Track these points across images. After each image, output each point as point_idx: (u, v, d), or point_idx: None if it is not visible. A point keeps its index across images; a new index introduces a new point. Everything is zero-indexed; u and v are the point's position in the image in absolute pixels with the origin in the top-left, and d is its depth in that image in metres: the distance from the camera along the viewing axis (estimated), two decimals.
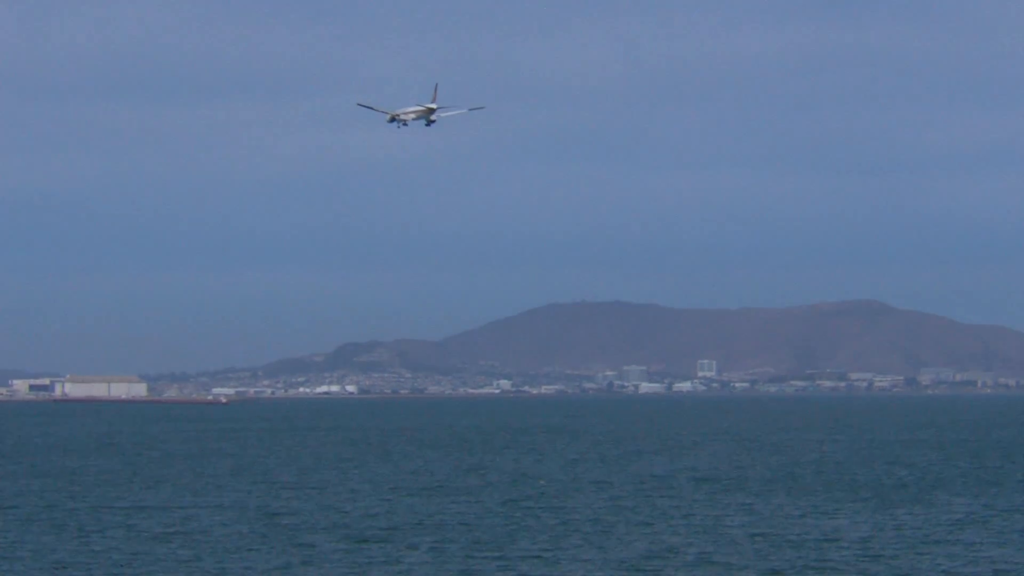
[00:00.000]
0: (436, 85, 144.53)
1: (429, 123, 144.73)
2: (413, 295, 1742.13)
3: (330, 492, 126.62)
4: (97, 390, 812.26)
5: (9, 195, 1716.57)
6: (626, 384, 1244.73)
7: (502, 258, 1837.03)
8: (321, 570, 77.49)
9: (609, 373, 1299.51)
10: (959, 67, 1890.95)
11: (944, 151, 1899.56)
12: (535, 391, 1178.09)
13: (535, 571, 76.89)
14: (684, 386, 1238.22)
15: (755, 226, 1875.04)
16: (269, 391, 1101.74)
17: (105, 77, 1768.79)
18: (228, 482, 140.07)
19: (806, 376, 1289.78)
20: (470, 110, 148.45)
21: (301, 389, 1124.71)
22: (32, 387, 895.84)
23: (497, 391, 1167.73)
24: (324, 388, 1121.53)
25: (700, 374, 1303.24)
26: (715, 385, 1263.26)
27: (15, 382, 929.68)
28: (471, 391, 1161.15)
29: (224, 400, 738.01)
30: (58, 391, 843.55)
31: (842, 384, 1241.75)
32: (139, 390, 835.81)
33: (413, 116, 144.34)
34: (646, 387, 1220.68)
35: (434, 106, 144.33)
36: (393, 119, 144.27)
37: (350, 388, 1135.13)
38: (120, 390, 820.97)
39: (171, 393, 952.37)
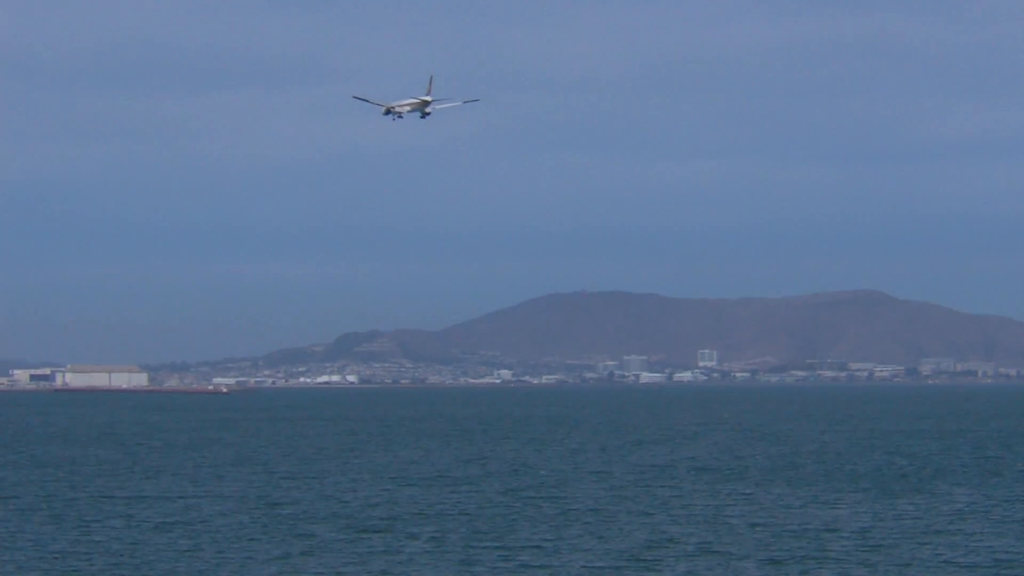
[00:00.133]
0: (431, 77, 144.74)
1: (424, 115, 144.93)
2: (414, 285, 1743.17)
3: (330, 482, 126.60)
4: (98, 380, 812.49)
5: (9, 186, 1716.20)
6: (627, 374, 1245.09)
7: (503, 248, 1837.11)
8: (321, 560, 77.46)
9: (610, 363, 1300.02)
10: (960, 57, 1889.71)
11: (945, 141, 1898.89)
12: (536, 381, 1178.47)
13: (535, 561, 76.85)
14: (685, 376, 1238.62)
15: (756, 216, 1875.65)
16: (270, 381, 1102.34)
17: (104, 68, 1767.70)
18: (228, 472, 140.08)
19: (807, 366, 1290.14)
20: (464, 102, 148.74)
21: (302, 379, 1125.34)
22: (33, 377, 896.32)
23: (498, 381, 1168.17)
24: (325, 378, 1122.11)
25: (701, 364, 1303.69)
26: (716, 375, 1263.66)
27: (16, 372, 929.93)
28: (472, 381, 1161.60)
29: (225, 390, 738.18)
30: (59, 381, 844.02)
31: (843, 374, 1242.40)
32: (140, 380, 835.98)
33: (408, 108, 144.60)
34: (647, 377, 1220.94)
35: (429, 98, 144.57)
36: (388, 111, 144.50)
37: (351, 378, 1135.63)
38: (121, 380, 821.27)
39: (172, 383, 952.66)
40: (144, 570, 74.61)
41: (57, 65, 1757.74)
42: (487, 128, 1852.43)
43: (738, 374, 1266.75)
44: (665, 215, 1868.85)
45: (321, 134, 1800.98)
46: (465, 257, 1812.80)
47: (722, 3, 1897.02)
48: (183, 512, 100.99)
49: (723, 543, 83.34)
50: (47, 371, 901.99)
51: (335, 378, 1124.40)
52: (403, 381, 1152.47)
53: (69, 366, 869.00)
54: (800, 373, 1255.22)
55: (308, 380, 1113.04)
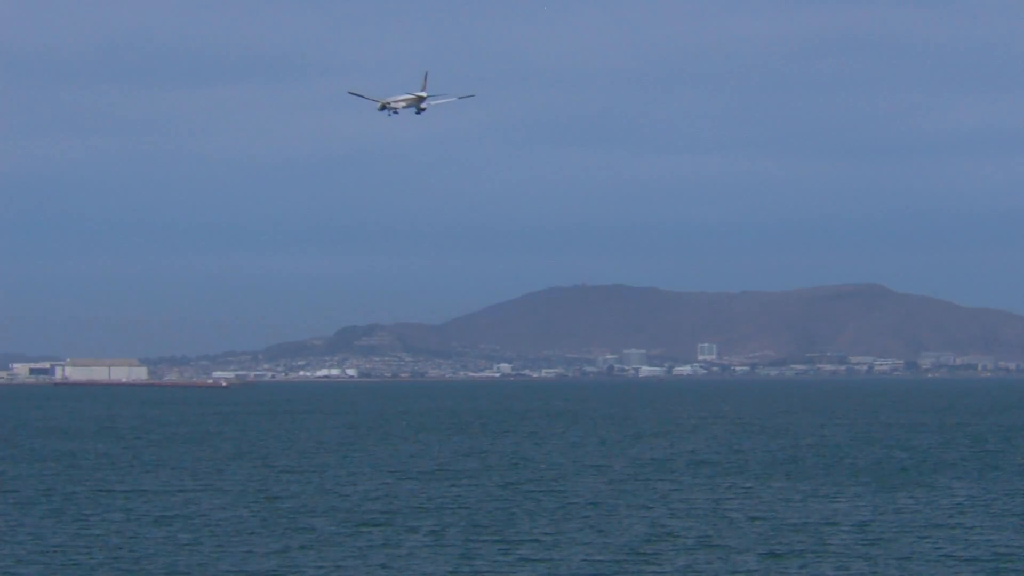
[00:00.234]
0: (426, 73, 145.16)
1: (419, 111, 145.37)
2: (413, 279, 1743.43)
3: (330, 476, 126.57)
4: (97, 374, 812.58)
5: (8, 180, 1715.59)
6: (626, 368, 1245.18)
7: (502, 242, 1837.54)
8: (321, 554, 77.42)
9: (609, 357, 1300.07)
10: (958, 52, 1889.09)
11: (945, 135, 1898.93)
12: (535, 375, 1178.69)
13: (535, 554, 76.80)
14: (684, 370, 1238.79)
15: (755, 210, 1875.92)
16: (269, 375, 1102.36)
17: (102, 63, 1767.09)
18: (228, 466, 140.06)
19: (806, 360, 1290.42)
20: (459, 98, 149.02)
21: (301, 373, 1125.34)
22: (32, 371, 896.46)
23: (497, 375, 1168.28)
24: (324, 372, 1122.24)
25: (700, 358, 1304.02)
26: (715, 369, 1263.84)
27: (15, 366, 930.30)
28: (471, 375, 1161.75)
29: (224, 384, 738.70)
30: (58, 375, 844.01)
31: (842, 368, 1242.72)
32: (139, 374, 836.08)
33: (403, 104, 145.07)
34: (646, 371, 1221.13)
35: (424, 94, 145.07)
36: (384, 107, 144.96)
37: (350, 372, 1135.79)
38: (120, 374, 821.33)
39: (171, 377, 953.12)
40: (143, 564, 74.55)
41: (55, 60, 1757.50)
42: (487, 122, 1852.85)
43: (738, 368, 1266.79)
44: (664, 209, 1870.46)
45: (322, 128, 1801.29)
46: (465, 251, 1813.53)
47: None
48: (183, 506, 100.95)
49: (722, 537, 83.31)
50: (47, 365, 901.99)
51: (335, 372, 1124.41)
52: (403, 375, 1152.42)
53: (69, 360, 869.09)
54: (800, 367, 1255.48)
55: (308, 374, 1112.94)
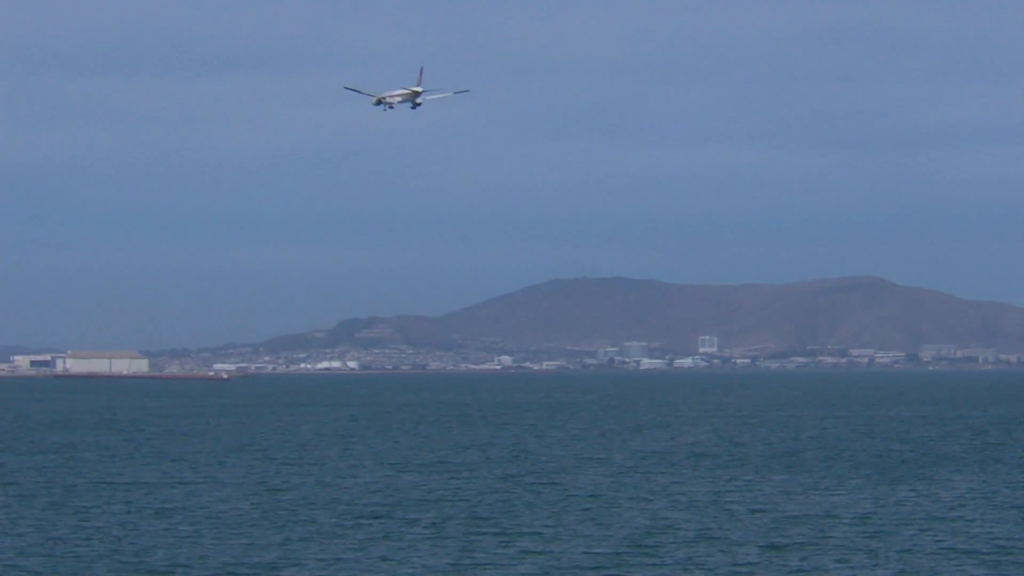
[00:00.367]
0: (421, 68, 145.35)
1: (415, 106, 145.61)
2: (414, 271, 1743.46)
3: (330, 468, 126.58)
4: (98, 366, 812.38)
5: (10, 170, 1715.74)
6: (627, 360, 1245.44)
7: (503, 234, 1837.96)
8: (321, 546, 77.40)
9: (610, 349, 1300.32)
10: (962, 43, 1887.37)
11: (946, 127, 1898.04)
12: (536, 367, 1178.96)
13: (535, 547, 76.78)
14: (685, 362, 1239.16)
15: (756, 202, 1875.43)
16: (270, 367, 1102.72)
17: (102, 54, 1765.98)
18: (229, 458, 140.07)
19: (807, 352, 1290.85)
20: (455, 93, 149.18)
21: (302, 365, 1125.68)
22: (33, 363, 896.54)
23: (498, 367, 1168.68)
24: (325, 364, 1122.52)
25: (701, 350, 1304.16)
26: (716, 361, 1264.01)
27: (16, 358, 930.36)
28: (472, 367, 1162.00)
29: (225, 376, 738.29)
30: (59, 367, 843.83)
31: (843, 360, 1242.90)
32: (140, 366, 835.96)
33: (399, 99, 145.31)
34: (647, 363, 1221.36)
35: (419, 89, 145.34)
36: (379, 102, 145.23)
37: (351, 364, 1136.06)
38: (121, 366, 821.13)
39: (172, 369, 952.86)
40: (144, 556, 74.53)
41: (55, 51, 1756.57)
42: (490, 113, 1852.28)
43: (739, 360, 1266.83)
44: (665, 201, 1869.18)
45: (322, 121, 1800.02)
46: (466, 243, 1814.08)
47: None
48: (183, 498, 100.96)
49: (723, 529, 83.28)
50: (47, 357, 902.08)
51: (336, 364, 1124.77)
52: (404, 367, 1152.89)
53: (70, 352, 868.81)
54: (801, 359, 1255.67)
55: (308, 366, 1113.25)
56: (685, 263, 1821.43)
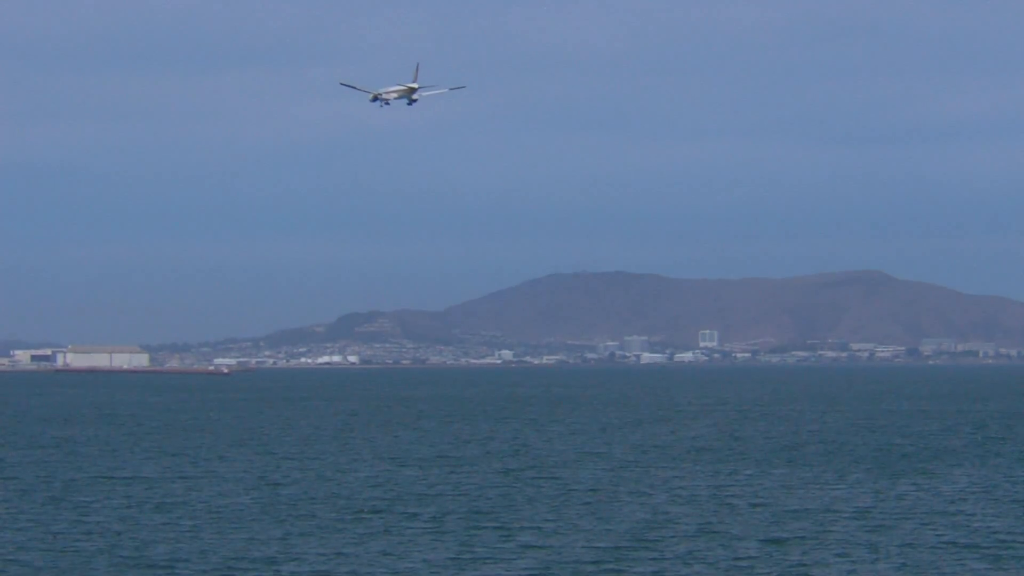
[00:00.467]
0: (417, 65, 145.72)
1: (411, 102, 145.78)
2: (414, 265, 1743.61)
3: (330, 463, 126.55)
4: (99, 360, 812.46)
5: (10, 163, 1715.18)
6: (627, 354, 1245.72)
7: (503, 228, 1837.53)
8: (321, 540, 77.37)
9: (611, 343, 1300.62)
10: (963, 37, 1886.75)
11: (946, 121, 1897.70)
12: (537, 361, 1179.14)
13: (536, 541, 76.72)
14: (686, 356, 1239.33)
15: (757, 196, 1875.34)
16: (271, 361, 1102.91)
17: (103, 49, 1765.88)
18: (229, 452, 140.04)
19: (808, 346, 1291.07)
20: (451, 89, 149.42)
21: (303, 359, 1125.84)
22: (34, 357, 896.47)
23: (499, 361, 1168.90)
24: (326, 358, 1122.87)
25: (702, 344, 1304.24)
26: (716, 355, 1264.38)
27: (17, 352, 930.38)
28: (473, 361, 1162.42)
29: (226, 370, 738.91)
30: (60, 361, 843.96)
31: (844, 354, 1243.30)
32: (141, 360, 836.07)
33: (395, 95, 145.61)
34: (647, 357, 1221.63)
35: (415, 85, 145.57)
36: (376, 98, 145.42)
37: (352, 358, 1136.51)
38: (122, 360, 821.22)
39: (173, 363, 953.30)
40: (144, 550, 74.48)
41: (56, 47, 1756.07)
42: (490, 107, 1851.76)
43: (739, 354, 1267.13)
44: (665, 195, 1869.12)
45: (322, 114, 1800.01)
46: (466, 237, 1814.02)
47: None
48: (184, 492, 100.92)
49: (724, 523, 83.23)
50: (48, 352, 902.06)
51: (336, 359, 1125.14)
52: (404, 361, 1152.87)
53: (70, 347, 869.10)
54: (801, 353, 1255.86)
55: (309, 361, 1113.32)
56: (686, 257, 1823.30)
